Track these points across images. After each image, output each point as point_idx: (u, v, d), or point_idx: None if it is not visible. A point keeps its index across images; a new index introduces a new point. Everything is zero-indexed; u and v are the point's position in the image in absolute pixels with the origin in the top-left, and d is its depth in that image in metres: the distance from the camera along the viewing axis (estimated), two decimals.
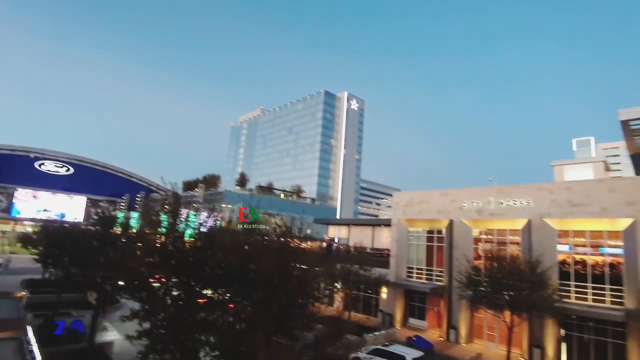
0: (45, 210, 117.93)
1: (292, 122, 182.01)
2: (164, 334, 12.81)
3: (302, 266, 14.59)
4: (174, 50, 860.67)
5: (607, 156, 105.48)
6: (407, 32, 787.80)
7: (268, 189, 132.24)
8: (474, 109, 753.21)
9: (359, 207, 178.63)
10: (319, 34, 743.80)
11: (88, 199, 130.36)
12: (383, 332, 30.42)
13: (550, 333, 26.02)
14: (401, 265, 36.43)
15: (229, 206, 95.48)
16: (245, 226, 16.19)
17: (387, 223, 41.78)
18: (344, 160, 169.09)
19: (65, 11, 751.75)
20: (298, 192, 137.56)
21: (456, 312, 31.64)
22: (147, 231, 15.93)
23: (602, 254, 25.80)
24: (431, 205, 35.47)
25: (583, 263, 26.38)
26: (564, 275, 26.60)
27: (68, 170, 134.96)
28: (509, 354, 22.96)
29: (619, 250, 24.92)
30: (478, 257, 30.95)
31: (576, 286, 26.10)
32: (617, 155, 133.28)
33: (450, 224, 33.62)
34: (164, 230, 14.67)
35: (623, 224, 24.73)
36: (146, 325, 13.01)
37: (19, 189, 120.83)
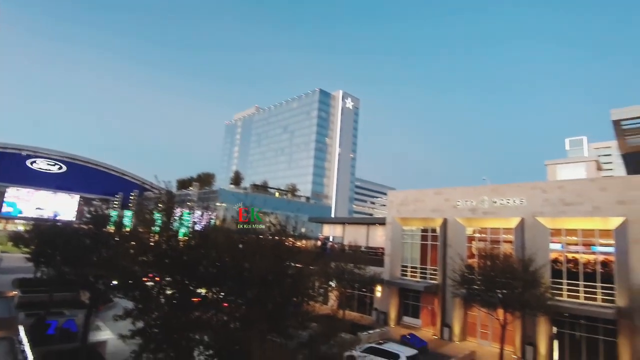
0: (37, 208, 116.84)
1: (287, 120, 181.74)
2: (158, 333, 12.74)
3: (297, 265, 14.58)
4: (170, 49, 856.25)
5: (599, 156, 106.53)
6: (405, 32, 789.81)
7: (263, 188, 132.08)
8: (471, 108, 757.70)
9: (354, 206, 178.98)
10: (316, 34, 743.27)
11: (81, 197, 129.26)
12: (377, 330, 30.53)
13: (543, 331, 26.28)
14: (395, 263, 36.56)
15: (224, 205, 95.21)
16: (240, 225, 16.14)
17: (381, 222, 41.89)
18: (338, 159, 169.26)
19: (63, 10, 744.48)
20: (293, 190, 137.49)
21: (450, 310, 31.83)
22: (141, 230, 15.81)
23: (593, 253, 26.07)
24: (425, 204, 35.61)
25: (575, 261, 26.64)
26: (556, 274, 26.85)
27: (60, 168, 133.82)
28: (502, 352, 23.14)
29: (610, 249, 25.19)
30: (472, 256, 31.13)
31: (568, 284, 26.36)
32: (609, 155, 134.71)
33: (444, 223, 33.79)
34: (157, 229, 14.59)
35: (614, 222, 25.01)
36: (140, 324, 12.93)
37: (10, 187, 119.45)
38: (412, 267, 35.72)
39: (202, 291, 14.16)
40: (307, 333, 13.76)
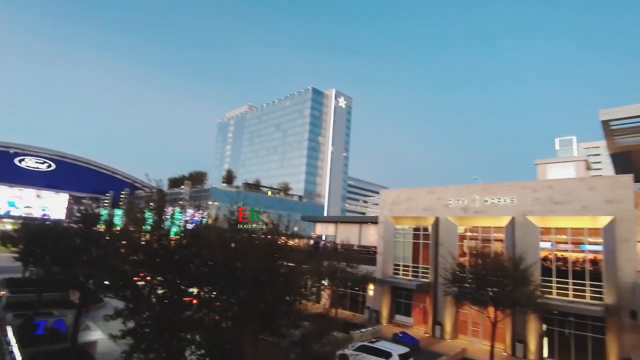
0: (26, 207, 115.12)
1: (280, 119, 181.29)
2: (149, 333, 12.63)
3: (289, 264, 14.57)
4: (162, 47, 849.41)
5: (588, 155, 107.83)
6: (398, 32, 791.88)
7: (255, 186, 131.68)
8: (463, 108, 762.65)
9: (347, 205, 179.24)
10: (309, 33, 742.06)
11: (70, 195, 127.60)
12: (370, 328, 30.65)
13: (533, 328, 26.60)
14: (388, 262, 36.70)
15: (216, 203, 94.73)
16: (235, 224, 16.10)
17: (374, 220, 42.02)
18: (331, 158, 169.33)
19: (54, 6, 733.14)
20: (285, 189, 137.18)
21: (441, 308, 32.06)
22: (132, 229, 15.67)
23: (582, 251, 26.43)
24: (417, 203, 35.79)
25: (564, 260, 26.99)
26: (546, 272, 27.18)
27: (50, 166, 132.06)
28: (493, 349, 23.36)
29: (599, 247, 25.56)
30: (463, 254, 31.38)
31: (557, 282, 26.70)
32: (598, 155, 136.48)
33: (436, 222, 33.99)
34: (148, 227, 14.46)
35: (603, 221, 25.37)
36: (130, 324, 12.81)
37: None
38: (404, 266, 35.89)
39: (194, 290, 14.08)
40: (300, 332, 13.76)
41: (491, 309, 23.43)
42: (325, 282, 32.71)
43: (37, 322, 22.95)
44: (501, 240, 29.78)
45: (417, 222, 35.69)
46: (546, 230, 27.94)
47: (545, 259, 27.58)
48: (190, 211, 15.75)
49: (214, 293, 14.07)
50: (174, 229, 14.68)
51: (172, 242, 14.11)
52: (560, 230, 27.49)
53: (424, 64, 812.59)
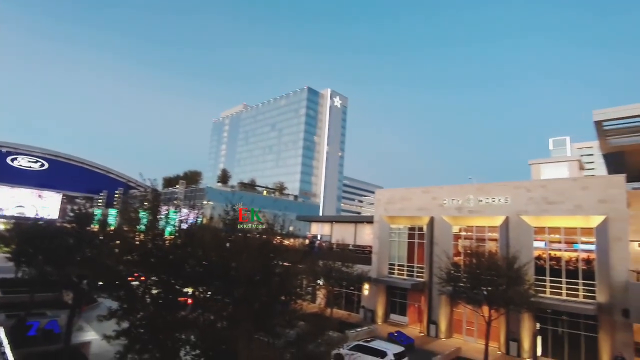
0: (18, 206, 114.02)
1: (275, 118, 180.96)
2: (143, 334, 12.57)
3: (285, 263, 14.54)
4: (157, 46, 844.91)
5: (581, 155, 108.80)
6: (393, 32, 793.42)
7: (250, 186, 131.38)
8: (459, 108, 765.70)
9: (342, 204, 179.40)
10: (305, 33, 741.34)
11: (64, 195, 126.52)
12: (365, 328, 30.71)
13: (526, 327, 26.78)
14: (383, 261, 36.78)
15: (211, 203, 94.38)
16: (226, 223, 16.02)
17: (369, 220, 42.09)
18: (326, 158, 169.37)
19: (43, 3, 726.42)
20: (280, 189, 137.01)
21: (436, 307, 32.18)
22: (126, 228, 15.57)
23: (575, 250, 26.65)
24: (412, 203, 35.90)
25: (558, 259, 27.20)
26: (539, 271, 27.37)
27: (42, 165, 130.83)
28: (487, 348, 23.47)
29: (592, 247, 25.79)
30: (458, 254, 31.50)
31: (551, 281, 26.90)
32: (592, 155, 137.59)
33: (431, 221, 34.11)
34: (143, 227, 14.37)
35: (596, 221, 25.60)
36: (124, 324, 12.74)
37: None
38: (399, 265, 35.99)
39: (189, 290, 14.02)
40: (295, 332, 13.73)
41: (485, 308, 23.55)
42: (320, 282, 32.71)
43: (29, 322, 22.77)
44: (495, 240, 29.95)
45: (412, 221, 35.80)
46: (540, 230, 28.14)
47: (538, 258, 27.78)
48: (184, 211, 15.67)
49: (208, 293, 14.01)
50: (169, 229, 14.61)
51: (167, 242, 14.03)
52: (553, 230, 27.70)
53: (419, 63, 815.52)
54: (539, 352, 26.62)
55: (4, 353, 16.42)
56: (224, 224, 15.51)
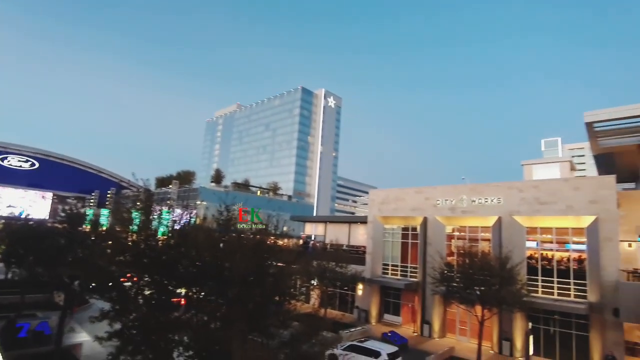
0: (8, 206, 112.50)
1: (269, 118, 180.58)
2: (136, 335, 12.48)
3: (278, 263, 14.52)
4: (150, 44, 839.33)
5: (572, 156, 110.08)
6: (389, 32, 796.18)
7: (244, 186, 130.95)
8: (453, 108, 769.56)
9: (336, 205, 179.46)
10: (299, 32, 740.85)
11: (55, 195, 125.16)
12: (359, 328, 30.73)
13: (519, 326, 26.99)
14: (377, 262, 36.86)
15: (204, 203, 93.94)
16: (220, 223, 15.93)
17: (363, 220, 42.15)
18: (320, 158, 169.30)
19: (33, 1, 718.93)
20: (274, 189, 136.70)
21: (430, 307, 32.32)
22: (118, 229, 15.46)
23: (567, 250, 26.92)
24: (406, 203, 36.02)
25: (549, 259, 27.46)
26: (531, 271, 27.60)
27: (33, 165, 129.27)
28: (480, 347, 23.62)
29: (583, 247, 26.07)
30: (451, 254, 31.68)
31: (543, 281, 27.14)
32: (583, 156, 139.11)
33: (425, 221, 34.25)
34: (135, 227, 14.27)
35: (586, 221, 25.88)
36: (117, 325, 12.65)
37: None
38: (393, 265, 36.09)
39: (182, 291, 13.94)
40: (289, 332, 13.71)
41: (478, 308, 23.70)
42: (314, 282, 32.69)
43: (20, 324, 22.50)
44: (488, 240, 30.15)
45: (405, 221, 35.93)
46: (532, 230, 28.38)
47: (531, 258, 28.01)
48: (178, 211, 15.58)
49: (202, 293, 13.95)
50: (162, 229, 14.52)
51: (160, 242, 13.96)
52: (545, 230, 27.95)
53: (418, 63, 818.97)
54: (531, 351, 26.84)
55: None
56: (218, 224, 15.46)
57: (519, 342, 26.93)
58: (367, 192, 49.73)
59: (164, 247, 13.72)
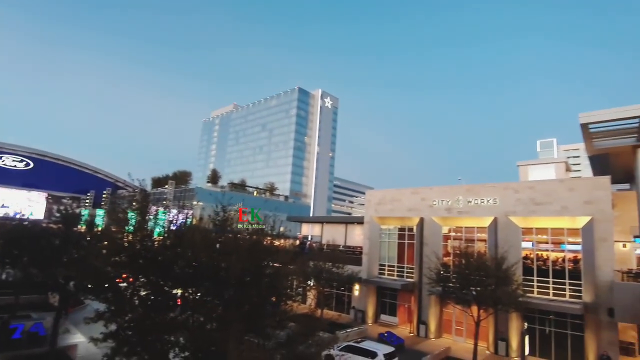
0: (2, 206, 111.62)
1: (266, 118, 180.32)
2: (131, 336, 12.42)
3: (275, 264, 14.49)
4: (145, 45, 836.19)
5: (568, 157, 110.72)
6: (387, 32, 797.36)
7: (240, 186, 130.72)
8: (449, 109, 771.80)
9: (333, 205, 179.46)
10: (296, 33, 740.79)
11: (50, 195, 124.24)
12: (355, 328, 30.75)
13: (514, 326, 27.11)
14: (373, 262, 36.89)
15: (200, 203, 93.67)
16: (216, 223, 15.88)
17: (359, 221, 42.19)
18: (317, 158, 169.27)
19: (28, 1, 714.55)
20: (271, 189, 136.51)
21: (426, 307, 32.38)
22: (114, 229, 15.38)
23: (562, 251, 27.05)
24: (402, 204, 36.08)
25: (545, 259, 27.59)
26: (527, 271, 27.72)
27: (28, 165, 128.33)
28: (476, 348, 23.70)
29: (578, 247, 26.20)
30: (447, 254, 31.76)
31: (538, 281, 27.26)
32: (578, 157, 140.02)
33: (421, 222, 34.33)
34: (131, 228, 14.20)
35: (582, 221, 26.03)
36: (112, 326, 12.57)
37: None
38: (389, 266, 36.13)
39: (178, 292, 13.89)
40: (285, 333, 13.71)
41: (474, 308, 23.78)
42: (311, 283, 32.66)
43: (14, 325, 22.29)
44: (484, 240, 30.24)
45: (402, 222, 35.98)
46: (527, 230, 28.50)
47: (526, 258, 28.13)
48: (174, 211, 15.53)
49: (198, 294, 13.91)
50: (158, 230, 14.46)
51: (156, 242, 13.90)
52: (541, 230, 28.09)
53: (418, 64, 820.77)
54: (526, 351, 26.93)
55: None
56: (214, 224, 15.41)
57: (514, 342, 27.04)
58: (363, 193, 49.77)
59: (159, 247, 13.67)
